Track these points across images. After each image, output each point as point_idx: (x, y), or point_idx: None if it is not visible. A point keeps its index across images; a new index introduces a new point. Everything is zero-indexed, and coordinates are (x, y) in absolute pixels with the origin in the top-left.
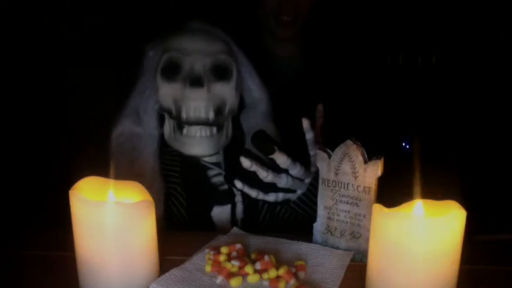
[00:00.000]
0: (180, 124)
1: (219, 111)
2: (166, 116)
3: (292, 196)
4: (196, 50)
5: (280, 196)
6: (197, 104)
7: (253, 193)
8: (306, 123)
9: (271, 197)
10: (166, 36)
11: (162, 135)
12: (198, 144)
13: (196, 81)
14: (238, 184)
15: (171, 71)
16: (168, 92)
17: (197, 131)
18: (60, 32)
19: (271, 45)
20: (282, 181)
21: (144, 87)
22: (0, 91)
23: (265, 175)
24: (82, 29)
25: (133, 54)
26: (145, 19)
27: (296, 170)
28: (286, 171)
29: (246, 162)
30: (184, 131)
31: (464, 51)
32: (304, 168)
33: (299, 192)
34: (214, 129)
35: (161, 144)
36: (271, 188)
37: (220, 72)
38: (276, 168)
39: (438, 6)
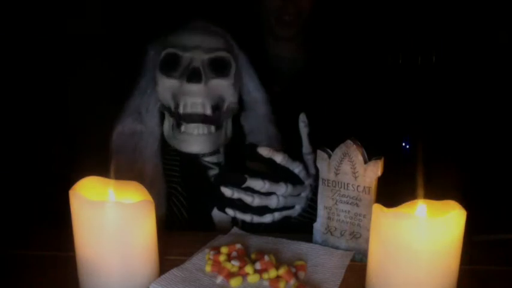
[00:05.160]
0: (179, 122)
1: (216, 107)
2: (166, 115)
3: (291, 212)
4: (195, 46)
5: (277, 215)
6: (194, 99)
7: (247, 218)
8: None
9: (267, 219)
10: (167, 35)
11: (163, 134)
12: (196, 141)
13: (194, 77)
14: (230, 212)
15: (170, 66)
16: (166, 86)
17: (195, 129)
18: (63, 31)
19: (272, 45)
20: (273, 202)
21: (145, 86)
22: (1, 91)
23: (250, 200)
24: (85, 28)
25: (134, 54)
26: (147, 19)
27: (283, 190)
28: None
29: (227, 192)
30: (182, 128)
31: (464, 50)
32: (292, 184)
33: (298, 207)
34: (213, 127)
35: (163, 143)
36: (266, 208)
37: (219, 68)
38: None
39: (438, 6)
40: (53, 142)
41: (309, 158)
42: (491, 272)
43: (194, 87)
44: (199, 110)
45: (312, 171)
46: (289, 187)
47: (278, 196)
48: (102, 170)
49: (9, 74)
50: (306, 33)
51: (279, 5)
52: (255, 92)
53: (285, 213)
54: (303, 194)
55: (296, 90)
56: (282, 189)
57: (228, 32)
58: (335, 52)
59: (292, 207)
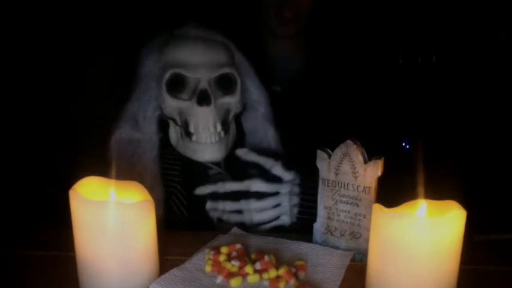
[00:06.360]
0: (188, 132)
1: (225, 120)
2: (171, 123)
3: (281, 222)
4: (200, 65)
5: (266, 227)
6: (205, 121)
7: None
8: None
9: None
10: (164, 41)
11: (161, 140)
12: (209, 149)
13: (203, 100)
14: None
15: (176, 88)
16: (174, 105)
17: (207, 138)
18: (63, 31)
19: (272, 45)
20: (246, 218)
21: (142, 93)
22: (2, 92)
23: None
24: (82, 30)
25: (130, 58)
26: (141, 22)
27: (251, 205)
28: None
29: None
30: (194, 138)
31: (464, 50)
32: (256, 199)
33: (285, 217)
34: (222, 133)
35: (161, 147)
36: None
37: (226, 86)
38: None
39: (438, 6)
40: (53, 142)
41: (276, 169)
42: (491, 272)
43: (204, 110)
44: (210, 129)
45: (286, 178)
46: (254, 203)
47: (250, 212)
48: (102, 170)
49: (9, 74)
50: (306, 32)
51: (279, 2)
52: (256, 92)
53: (274, 223)
54: (284, 204)
55: (296, 90)
56: (250, 204)
57: (226, 36)
58: (335, 52)
59: (277, 218)
